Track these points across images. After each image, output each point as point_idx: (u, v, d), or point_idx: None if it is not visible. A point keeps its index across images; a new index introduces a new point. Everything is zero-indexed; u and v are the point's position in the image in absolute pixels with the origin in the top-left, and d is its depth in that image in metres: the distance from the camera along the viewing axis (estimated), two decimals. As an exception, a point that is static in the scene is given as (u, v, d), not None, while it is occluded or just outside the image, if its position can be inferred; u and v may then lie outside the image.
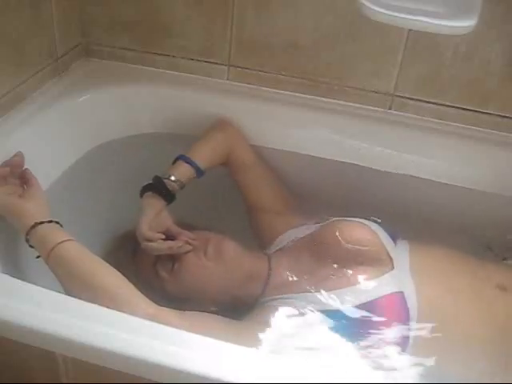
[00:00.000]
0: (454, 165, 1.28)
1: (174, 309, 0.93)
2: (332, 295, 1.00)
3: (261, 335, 0.96)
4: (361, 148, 1.30)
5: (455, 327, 0.97)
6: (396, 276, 1.02)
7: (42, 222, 0.95)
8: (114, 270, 0.93)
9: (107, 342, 0.77)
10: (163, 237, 1.08)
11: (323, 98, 1.35)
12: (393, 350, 0.95)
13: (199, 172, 1.16)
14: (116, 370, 0.79)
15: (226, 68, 1.37)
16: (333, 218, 1.14)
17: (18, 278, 0.89)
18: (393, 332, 0.95)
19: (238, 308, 1.08)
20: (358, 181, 1.31)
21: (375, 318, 0.96)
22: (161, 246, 1.07)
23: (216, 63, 1.37)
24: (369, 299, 0.98)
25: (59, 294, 0.86)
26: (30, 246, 0.96)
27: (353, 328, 0.96)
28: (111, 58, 1.42)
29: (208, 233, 1.13)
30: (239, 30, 1.31)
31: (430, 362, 0.94)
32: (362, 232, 1.08)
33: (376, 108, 1.33)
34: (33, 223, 0.95)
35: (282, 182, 1.31)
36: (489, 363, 0.95)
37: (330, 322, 0.97)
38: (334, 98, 1.34)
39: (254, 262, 1.10)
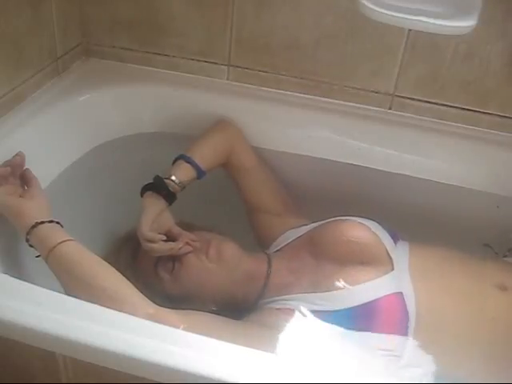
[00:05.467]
0: (454, 165, 1.28)
1: (174, 309, 0.93)
2: (331, 296, 1.00)
3: (260, 335, 0.96)
4: (361, 148, 1.30)
5: (454, 328, 0.97)
6: (396, 277, 1.02)
7: (42, 222, 0.95)
8: (115, 271, 0.93)
9: (107, 342, 0.77)
10: (164, 238, 1.08)
11: (323, 98, 1.35)
12: (392, 350, 0.94)
13: (200, 172, 1.15)
14: (116, 370, 0.79)
15: (225, 68, 1.38)
16: (332, 218, 1.13)
17: (18, 278, 0.89)
18: (392, 333, 0.95)
19: (238, 308, 1.08)
20: (358, 181, 1.31)
21: (375, 319, 0.96)
22: (162, 247, 1.07)
23: (216, 63, 1.37)
24: (368, 300, 0.97)
25: (59, 294, 0.86)
26: (30, 246, 0.96)
27: (352, 328, 0.96)
28: (111, 57, 1.42)
29: (209, 234, 1.13)
30: (239, 29, 1.31)
31: (429, 362, 0.94)
32: (362, 231, 1.08)
33: (376, 108, 1.33)
34: (33, 223, 0.95)
35: (282, 183, 1.31)
36: (489, 363, 0.95)
37: (330, 323, 0.97)
38: (334, 98, 1.34)
39: (253, 262, 1.10)
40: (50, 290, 0.85)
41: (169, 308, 0.92)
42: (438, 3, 1.05)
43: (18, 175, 1.05)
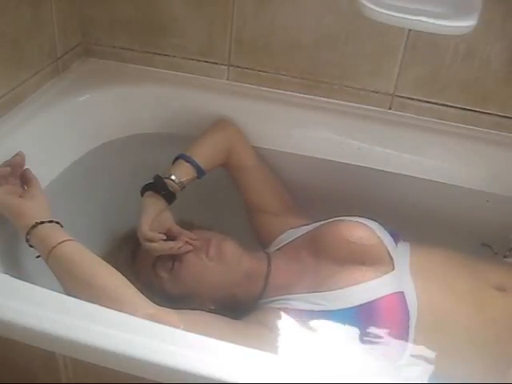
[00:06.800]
0: (454, 165, 1.28)
1: (174, 308, 0.93)
2: (332, 296, 1.00)
3: (260, 335, 0.96)
4: (361, 148, 1.30)
5: (454, 328, 0.97)
6: (396, 276, 1.02)
7: (42, 222, 0.95)
8: (114, 270, 0.93)
9: (107, 342, 0.77)
10: (164, 237, 1.08)
11: (323, 98, 1.35)
12: (393, 350, 0.95)
13: (200, 172, 1.15)
14: (116, 370, 0.79)
15: (225, 68, 1.38)
16: (333, 218, 1.13)
17: (18, 278, 0.89)
18: (393, 332, 0.95)
19: (238, 308, 1.08)
20: (358, 181, 1.31)
21: (375, 319, 0.96)
22: (162, 246, 1.07)
23: (216, 63, 1.37)
24: (369, 299, 0.97)
25: (59, 294, 0.86)
26: (30, 246, 0.96)
27: (353, 328, 0.96)
28: (111, 57, 1.42)
29: (209, 233, 1.13)
30: (239, 29, 1.31)
31: (430, 362, 0.94)
32: (363, 232, 1.08)
33: (376, 108, 1.33)
34: (33, 223, 0.95)
35: (282, 182, 1.31)
36: (488, 363, 0.95)
37: (330, 323, 0.97)
38: (334, 98, 1.34)
39: (253, 261, 1.10)
40: (50, 289, 0.85)
41: (169, 308, 0.92)
42: (438, 3, 1.05)
43: (18, 175, 1.05)
